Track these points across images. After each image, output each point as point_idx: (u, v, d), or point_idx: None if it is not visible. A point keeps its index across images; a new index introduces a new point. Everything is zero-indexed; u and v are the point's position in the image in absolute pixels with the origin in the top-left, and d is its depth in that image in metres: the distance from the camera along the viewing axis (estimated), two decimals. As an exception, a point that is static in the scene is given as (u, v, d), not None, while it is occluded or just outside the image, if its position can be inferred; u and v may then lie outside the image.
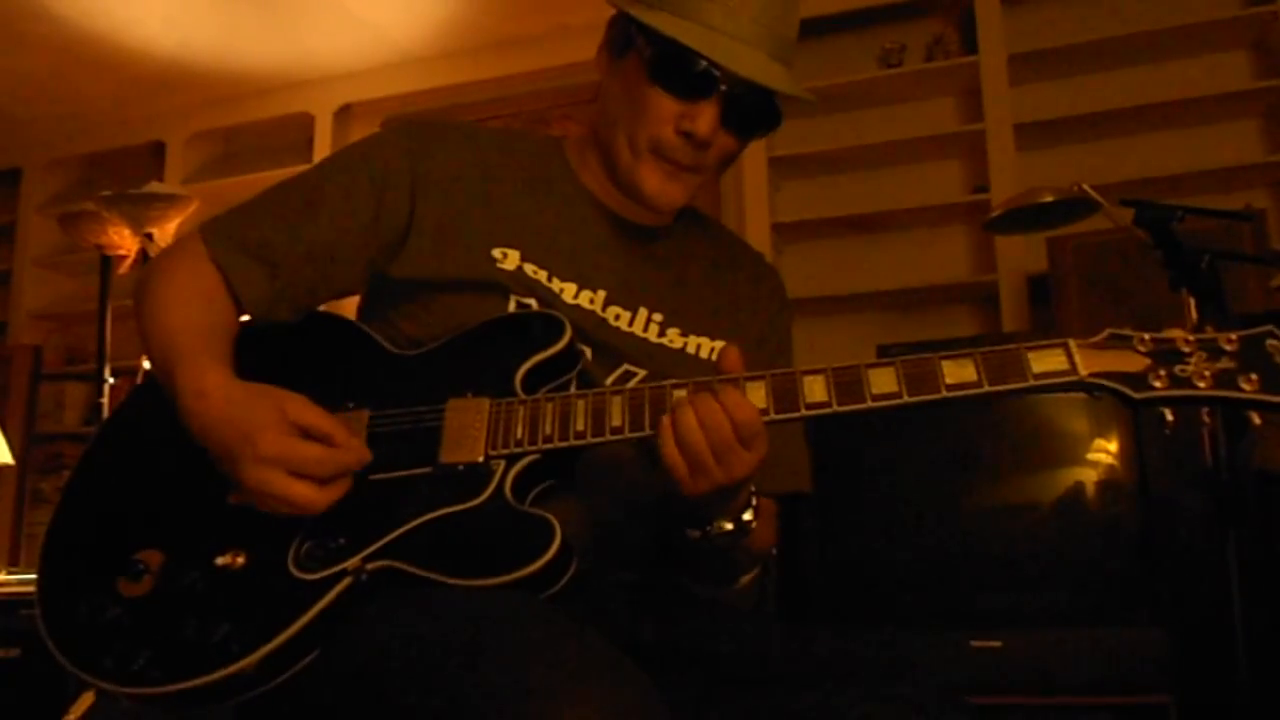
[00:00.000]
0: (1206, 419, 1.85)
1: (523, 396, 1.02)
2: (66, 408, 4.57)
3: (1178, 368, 0.89)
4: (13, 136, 4.76)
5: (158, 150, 4.64)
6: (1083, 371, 0.90)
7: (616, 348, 1.15)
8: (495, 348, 1.07)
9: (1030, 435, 2.35)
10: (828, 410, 0.94)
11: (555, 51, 3.93)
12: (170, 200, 3.28)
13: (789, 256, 3.70)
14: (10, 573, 3.22)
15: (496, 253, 1.14)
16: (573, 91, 4.05)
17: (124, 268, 3.45)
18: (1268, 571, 2.01)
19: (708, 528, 1.01)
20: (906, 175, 3.62)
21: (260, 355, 1.09)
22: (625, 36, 1.14)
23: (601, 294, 1.16)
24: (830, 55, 3.66)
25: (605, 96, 1.18)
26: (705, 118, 1.09)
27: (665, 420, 0.94)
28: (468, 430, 1.00)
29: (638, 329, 1.17)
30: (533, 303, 1.13)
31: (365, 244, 1.15)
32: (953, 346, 0.95)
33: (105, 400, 3.28)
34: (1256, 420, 0.88)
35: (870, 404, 0.93)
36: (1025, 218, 2.34)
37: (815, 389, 0.94)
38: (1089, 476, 2.30)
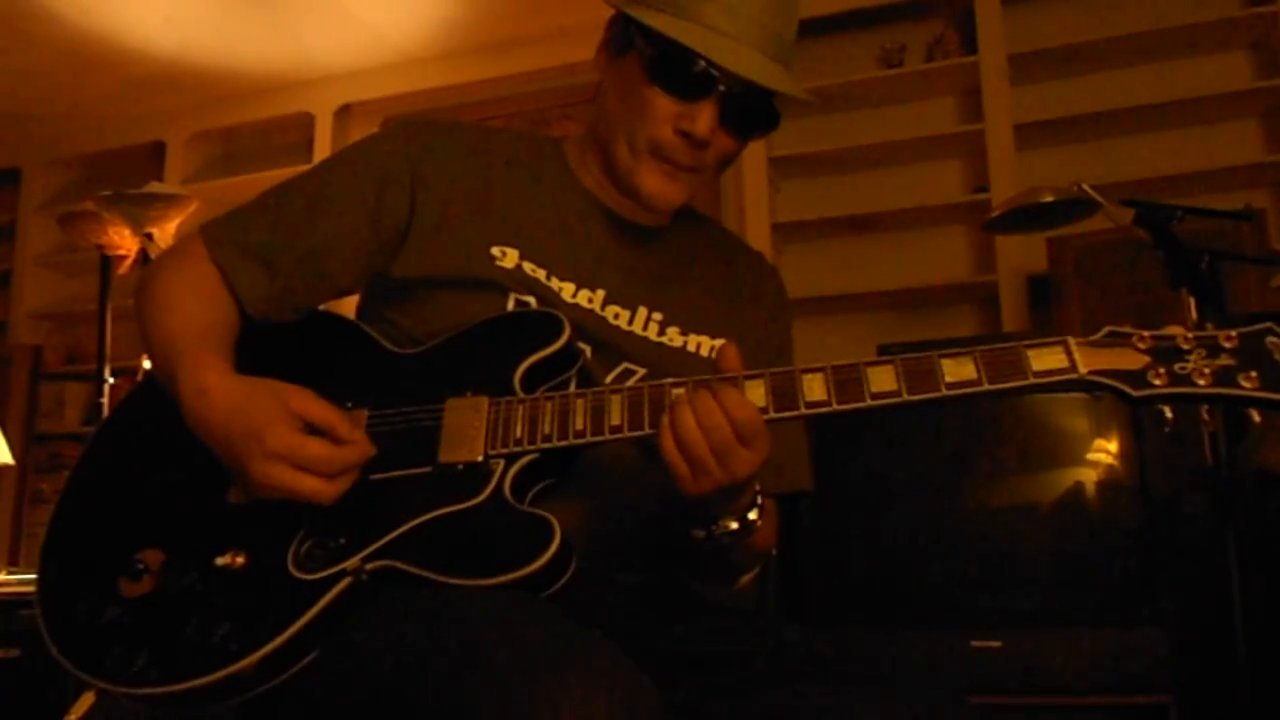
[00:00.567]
0: (1206, 417, 1.85)
1: (522, 395, 1.02)
2: (66, 408, 4.57)
3: (1177, 365, 0.89)
4: (13, 136, 4.76)
5: (158, 150, 4.64)
6: (1082, 369, 0.90)
7: (616, 346, 1.15)
8: (494, 346, 1.07)
9: (1030, 435, 2.35)
10: (827, 409, 0.94)
11: (555, 51, 3.93)
12: (170, 200, 3.27)
13: (789, 256, 3.70)
14: (10, 573, 3.21)
15: (495, 251, 1.14)
16: (572, 91, 4.05)
17: (124, 268, 3.45)
18: (1268, 572, 2.00)
19: (712, 527, 1.01)
20: (906, 175, 3.62)
21: (260, 354, 1.09)
22: (624, 37, 1.14)
23: (600, 293, 1.16)
24: (830, 55, 3.66)
25: (604, 97, 1.18)
26: (704, 118, 1.08)
27: (664, 420, 0.94)
28: (467, 429, 1.00)
29: (637, 328, 1.17)
30: (532, 301, 1.13)
31: (365, 244, 1.15)
32: (953, 347, 0.94)
33: (105, 400, 3.28)
34: (1256, 418, 0.88)
35: (870, 402, 0.93)
36: (1025, 218, 2.34)
37: (814, 387, 0.94)
38: (1089, 476, 2.30)
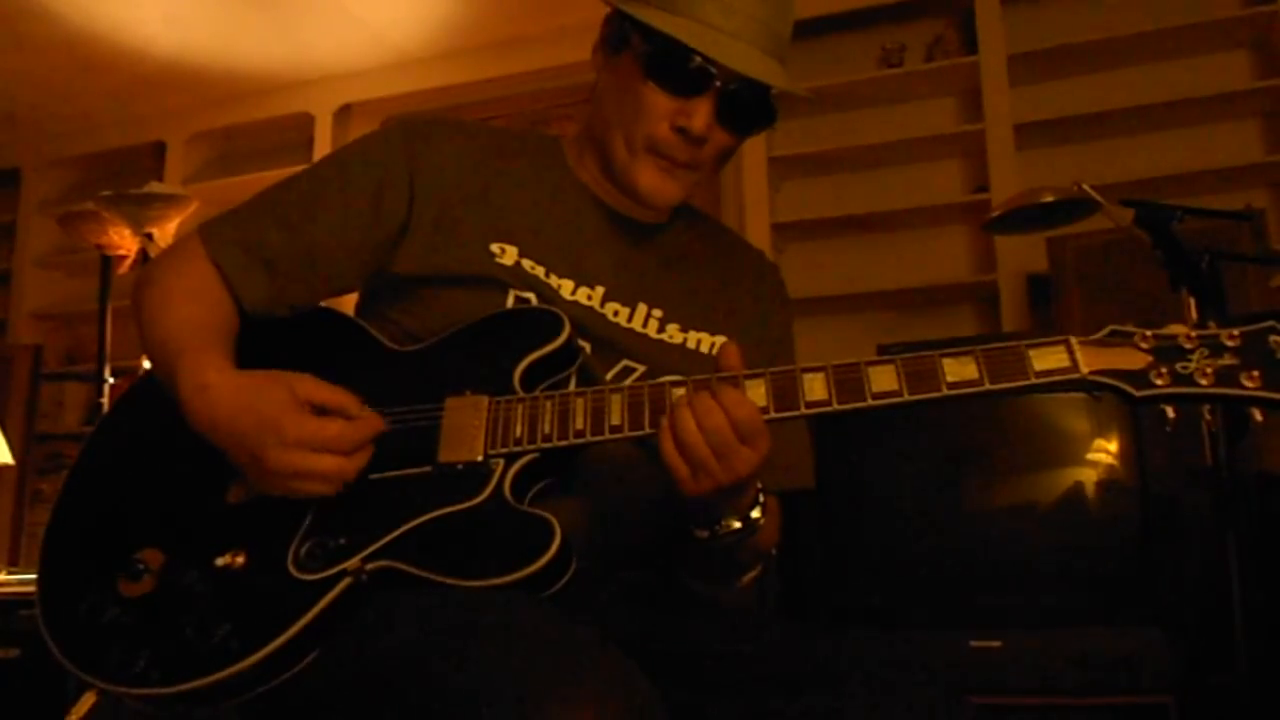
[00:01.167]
0: (1208, 416, 1.85)
1: (521, 394, 1.02)
2: (66, 408, 4.57)
3: (1179, 365, 0.89)
4: (13, 136, 4.76)
5: (158, 150, 4.64)
6: (1084, 369, 0.90)
7: (615, 343, 1.15)
8: (493, 344, 1.07)
9: (1030, 435, 2.35)
10: (828, 409, 0.94)
11: (555, 51, 3.93)
12: (170, 200, 3.27)
13: (789, 256, 3.70)
14: (10, 573, 3.21)
15: (494, 248, 1.14)
16: (572, 91, 4.05)
17: (124, 268, 3.45)
18: (1268, 572, 2.00)
19: (715, 527, 1.01)
20: (906, 175, 3.62)
21: (260, 353, 1.08)
22: (620, 34, 1.14)
23: (600, 290, 1.16)
24: (830, 55, 3.66)
25: (600, 94, 1.18)
26: (700, 114, 1.08)
27: (664, 422, 0.93)
28: (466, 429, 1.00)
29: (636, 324, 1.17)
30: (531, 298, 1.12)
31: (363, 242, 1.15)
32: (953, 346, 0.94)
33: (105, 400, 3.28)
34: (1258, 417, 0.88)
35: (870, 402, 0.93)
36: (1025, 218, 2.34)
37: (815, 387, 0.94)
38: (1089, 476, 2.29)
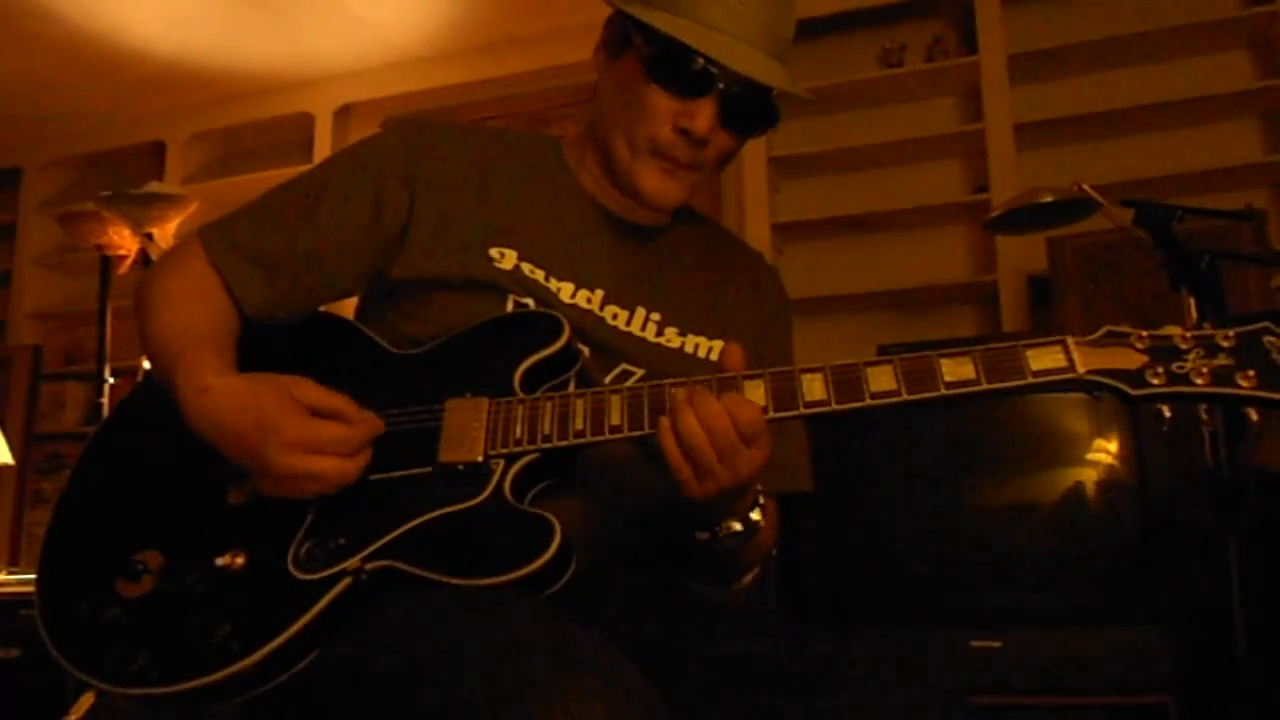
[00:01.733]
0: (1205, 417, 1.85)
1: (521, 396, 1.02)
2: (66, 408, 4.56)
3: (1175, 365, 0.89)
4: (13, 136, 4.76)
5: (158, 150, 4.64)
6: (1081, 369, 0.91)
7: (614, 347, 1.15)
8: (493, 347, 1.07)
9: (1030, 435, 2.35)
10: (826, 409, 0.94)
11: (555, 51, 3.93)
12: (170, 200, 3.27)
13: (789, 256, 3.70)
14: (10, 573, 3.22)
15: (494, 252, 1.14)
16: (572, 91, 4.05)
17: (124, 268, 3.45)
18: (1268, 571, 2.00)
19: (716, 529, 1.01)
20: (906, 175, 3.62)
21: (259, 356, 1.08)
22: (622, 35, 1.14)
23: (599, 293, 1.16)
24: (830, 55, 3.66)
25: (602, 95, 1.18)
26: (703, 115, 1.08)
27: (664, 422, 0.93)
28: (467, 430, 1.00)
29: (635, 328, 1.17)
30: (530, 302, 1.12)
31: (363, 246, 1.15)
32: (953, 346, 0.94)
33: (105, 400, 3.28)
34: (1254, 416, 0.89)
35: (869, 402, 0.93)
36: (1025, 218, 2.35)
37: (814, 387, 0.94)
38: (1089, 476, 2.29)
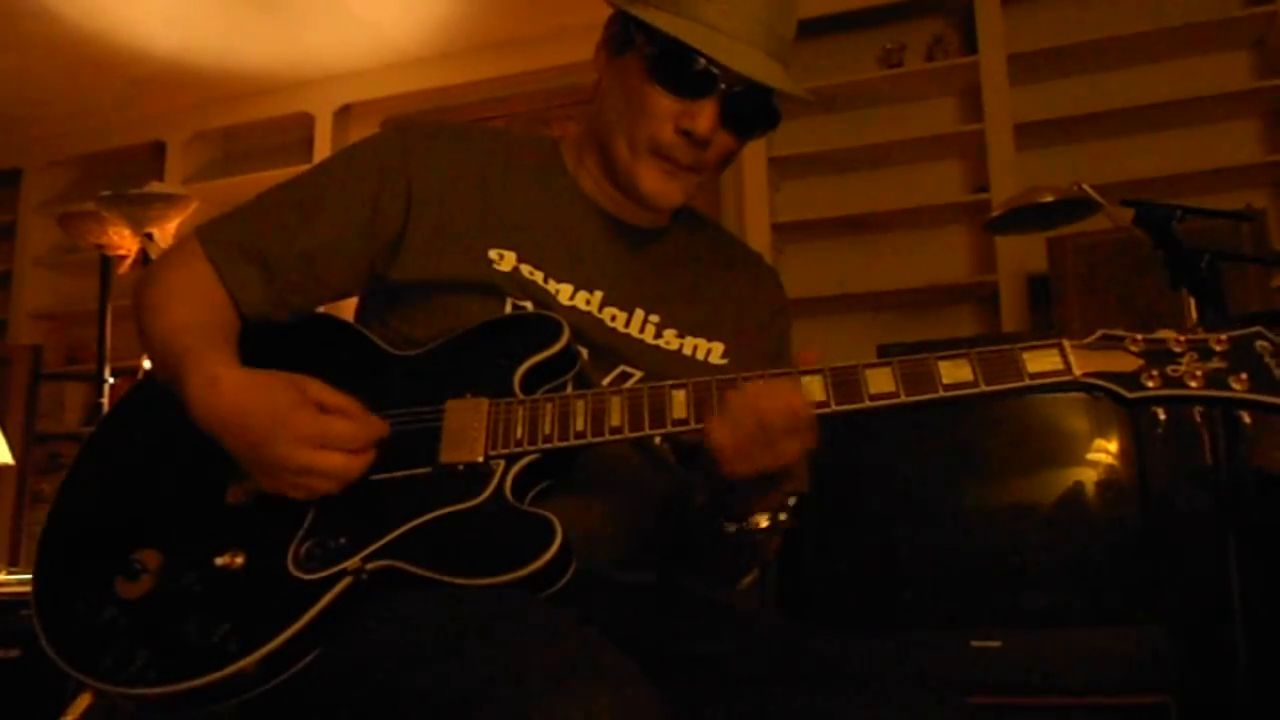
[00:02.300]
0: (1199, 418, 1.85)
1: (521, 397, 1.02)
2: (66, 408, 4.57)
3: (1169, 368, 0.90)
4: (13, 136, 4.76)
5: (158, 150, 4.64)
6: (1077, 371, 0.92)
7: (613, 349, 1.15)
8: (493, 348, 1.07)
9: (1030, 435, 2.35)
10: (826, 410, 0.94)
11: (555, 51, 3.93)
12: (170, 200, 3.27)
13: (789, 256, 3.70)
14: (10, 573, 3.21)
15: (493, 254, 1.14)
16: (572, 91, 4.05)
17: (124, 268, 3.45)
18: (1268, 571, 2.00)
19: (744, 522, 1.02)
20: (906, 175, 3.62)
21: (260, 358, 1.08)
22: (624, 35, 1.14)
23: (598, 295, 1.16)
24: (830, 55, 3.66)
25: (603, 96, 1.18)
26: (704, 116, 1.08)
27: (727, 397, 0.93)
28: (467, 430, 1.01)
29: (634, 330, 1.17)
30: (529, 304, 1.12)
31: (361, 247, 1.15)
32: (953, 346, 0.95)
33: (105, 400, 3.28)
34: (1247, 420, 0.90)
35: (868, 403, 0.94)
36: (1025, 218, 2.35)
37: (813, 389, 0.95)
38: (1089, 476, 2.29)
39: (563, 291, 1.15)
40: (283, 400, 0.97)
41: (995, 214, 2.39)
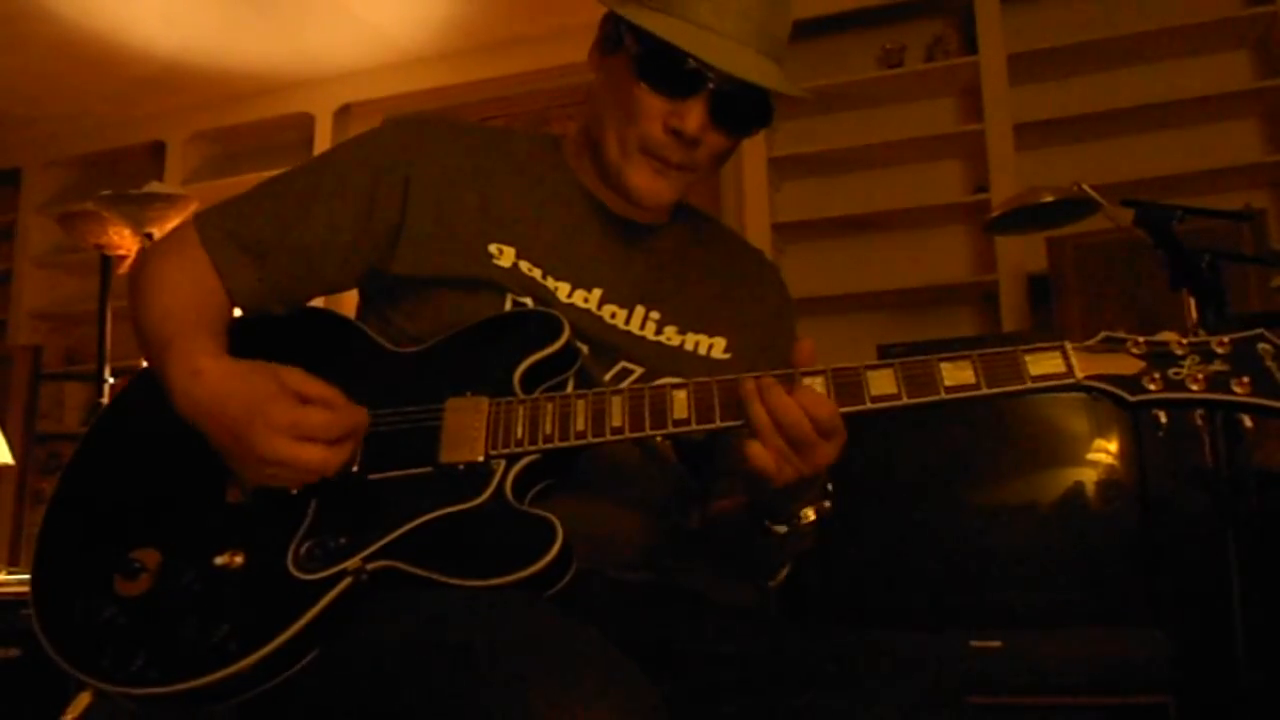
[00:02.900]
0: (1201, 420, 1.85)
1: (522, 395, 1.02)
2: (66, 408, 4.57)
3: (1171, 371, 0.90)
4: (13, 136, 4.76)
5: (158, 150, 4.64)
6: (1079, 374, 0.92)
7: (613, 346, 1.15)
8: (493, 346, 1.07)
9: (1030, 435, 2.35)
10: (828, 410, 0.94)
11: (555, 51, 3.93)
12: (170, 200, 3.27)
13: (789, 256, 3.70)
14: (10, 573, 3.21)
15: (493, 249, 1.14)
16: (572, 91, 4.05)
17: (124, 268, 3.45)
18: (1268, 571, 2.00)
19: (793, 520, 1.02)
20: (906, 175, 3.62)
21: (257, 352, 1.08)
22: (615, 34, 1.14)
23: (597, 292, 1.16)
24: (830, 55, 3.66)
25: (595, 95, 1.18)
26: (693, 115, 1.08)
27: (755, 410, 0.93)
28: (467, 430, 1.00)
29: (634, 327, 1.17)
30: (529, 301, 1.12)
31: (357, 241, 1.15)
32: (953, 346, 0.95)
33: (105, 400, 3.28)
34: (1248, 423, 0.90)
35: (869, 405, 0.94)
36: (1025, 218, 2.34)
37: (815, 390, 0.95)
38: (1089, 476, 2.29)
39: (562, 289, 1.15)
40: (260, 390, 0.97)
41: (995, 214, 2.39)
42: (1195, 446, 1.97)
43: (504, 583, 0.90)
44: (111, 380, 3.29)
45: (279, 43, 4.08)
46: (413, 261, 1.13)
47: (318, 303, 1.24)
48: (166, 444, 1.06)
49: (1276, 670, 1.96)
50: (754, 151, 3.56)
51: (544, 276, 1.14)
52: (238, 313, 1.18)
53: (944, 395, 0.93)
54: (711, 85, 1.07)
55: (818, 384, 0.95)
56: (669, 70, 1.07)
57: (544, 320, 1.08)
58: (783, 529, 1.03)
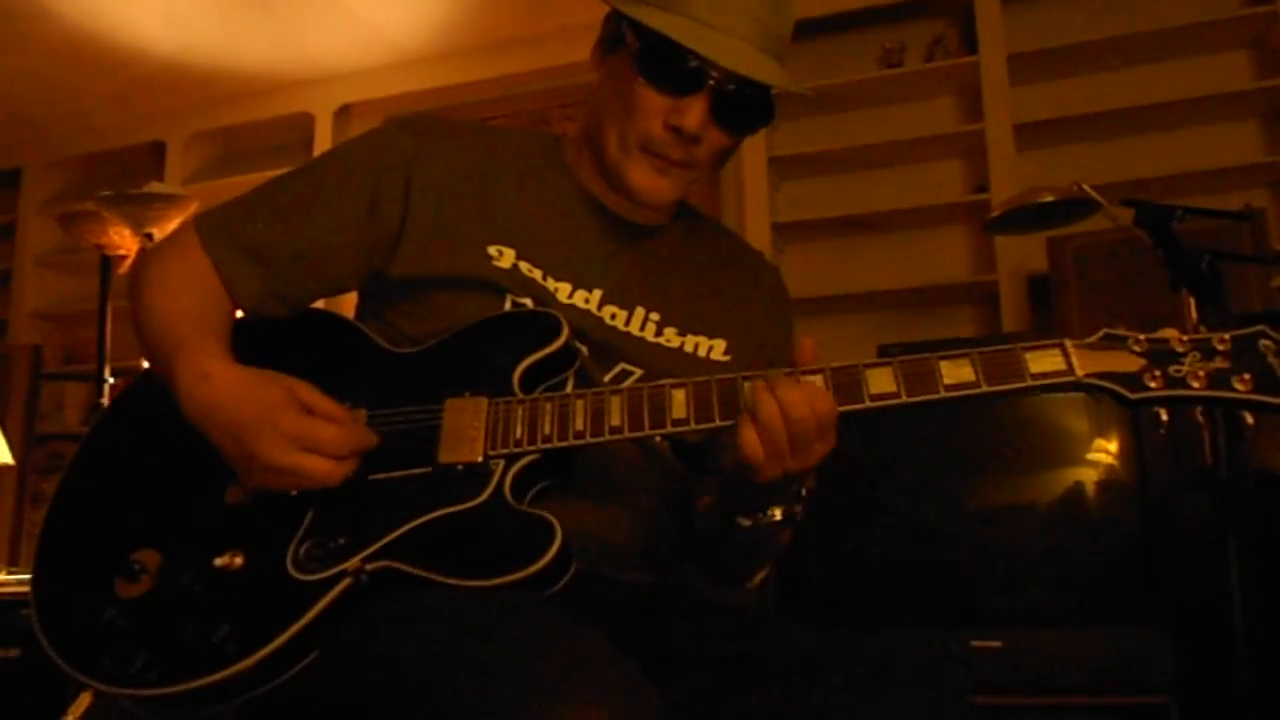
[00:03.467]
0: (1202, 418, 1.85)
1: (521, 396, 1.02)
2: (66, 408, 4.56)
3: (1172, 368, 0.90)
4: (13, 136, 4.76)
5: (158, 150, 4.64)
6: (1079, 372, 0.91)
7: (613, 347, 1.15)
8: (492, 346, 1.07)
9: (1030, 435, 2.35)
10: (827, 410, 0.94)
11: (555, 51, 3.93)
12: (170, 200, 3.27)
13: (789, 256, 3.70)
14: (10, 573, 3.21)
15: (492, 250, 1.14)
16: (572, 91, 4.05)
17: (124, 268, 3.44)
18: (1268, 571, 2.00)
19: (759, 515, 1.02)
20: (906, 175, 3.62)
21: (258, 355, 1.08)
22: (616, 32, 1.14)
23: (597, 293, 1.16)
24: (830, 55, 3.66)
25: (597, 94, 1.18)
26: (694, 112, 1.08)
27: (761, 399, 0.93)
28: (466, 430, 1.00)
29: (634, 328, 1.17)
30: (528, 302, 1.12)
31: (358, 241, 1.15)
32: (953, 346, 0.95)
33: (105, 400, 3.28)
34: (1249, 420, 0.89)
35: (869, 404, 0.94)
36: (1025, 218, 2.34)
37: (817, 384, 0.95)
38: (1089, 476, 2.30)
39: (562, 290, 1.14)
40: (270, 398, 0.97)
41: (995, 214, 2.39)
42: (1195, 446, 1.97)
43: (503, 583, 0.90)
44: (111, 380, 3.29)
45: (279, 43, 4.08)
46: (412, 262, 1.13)
47: (318, 304, 1.24)
48: (167, 446, 1.06)
49: (1276, 670, 1.96)
50: (754, 151, 3.56)
51: (544, 277, 1.14)
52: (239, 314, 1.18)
53: (943, 394, 0.92)
54: (712, 82, 1.07)
55: (817, 382, 0.95)
56: (670, 67, 1.07)
57: (543, 320, 1.08)
58: (747, 522, 1.02)
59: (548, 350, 1.05)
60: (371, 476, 1.00)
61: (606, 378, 1.13)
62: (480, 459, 0.98)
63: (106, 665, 0.94)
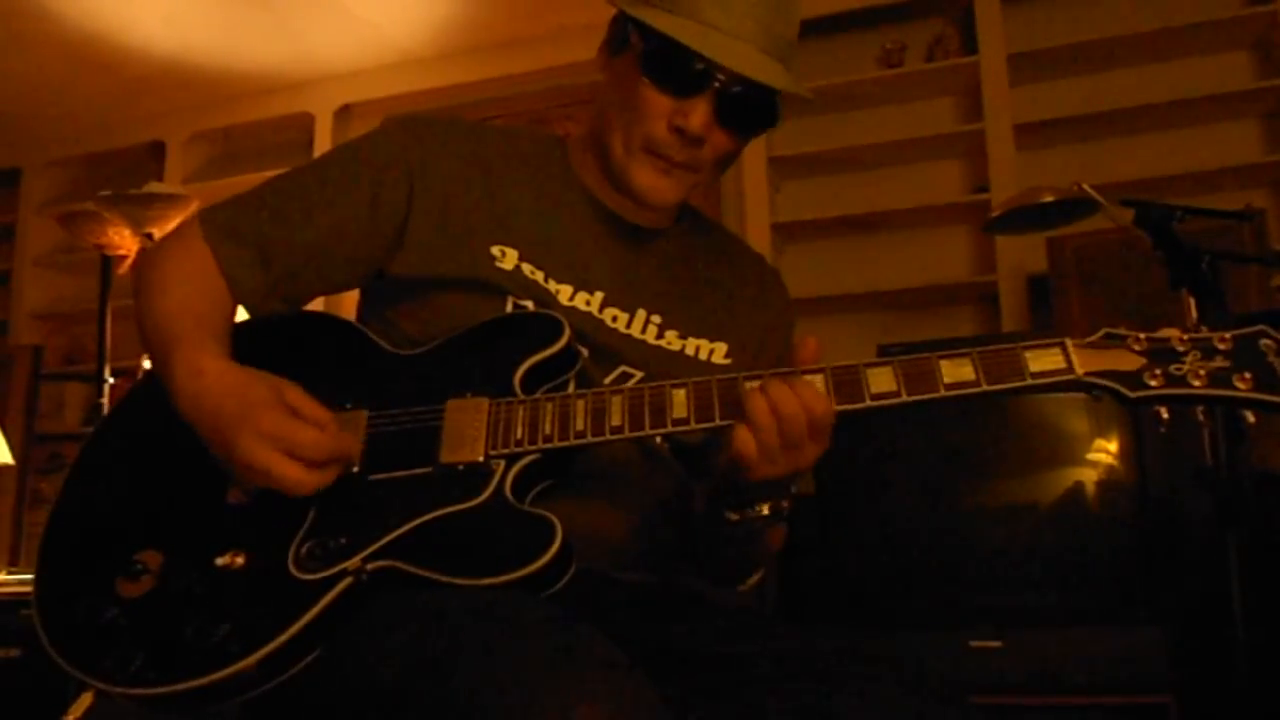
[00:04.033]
0: (1202, 418, 1.85)
1: (522, 396, 1.02)
2: (66, 408, 4.57)
3: (1173, 367, 0.90)
4: (13, 136, 4.76)
5: (158, 150, 4.64)
6: (1079, 371, 0.92)
7: (614, 349, 1.15)
8: (494, 348, 1.07)
9: (1030, 435, 2.35)
10: (826, 410, 0.94)
11: (555, 51, 3.93)
12: (170, 200, 3.27)
13: (789, 256, 3.70)
14: (10, 573, 3.21)
15: (495, 250, 1.14)
16: (573, 91, 4.05)
17: (124, 268, 3.45)
18: (1268, 571, 2.00)
19: (747, 510, 1.02)
20: (906, 175, 3.62)
21: (258, 355, 1.08)
22: (622, 34, 1.14)
23: (599, 295, 1.16)
24: (830, 55, 3.66)
25: (602, 96, 1.18)
26: (698, 114, 1.08)
27: (754, 400, 0.93)
28: (467, 430, 1.01)
29: (635, 330, 1.17)
30: (530, 304, 1.12)
31: (360, 240, 1.15)
32: (953, 346, 0.95)
33: (105, 400, 3.28)
34: (1250, 419, 0.89)
35: (869, 403, 0.94)
36: (1025, 218, 2.34)
37: (815, 386, 0.95)
38: (1089, 476, 2.29)
39: (563, 292, 1.15)
40: (255, 397, 0.97)
41: (995, 214, 2.39)
42: (1195, 446, 1.97)
43: (503, 582, 0.90)
44: (111, 380, 3.29)
45: (279, 43, 4.08)
46: (414, 263, 1.13)
47: (318, 304, 1.24)
48: (169, 446, 1.06)
49: (1276, 670, 1.96)
50: (754, 151, 3.55)
51: (546, 279, 1.14)
52: (241, 312, 1.18)
53: (944, 393, 0.92)
54: (716, 84, 1.07)
55: (817, 382, 0.95)
56: (674, 68, 1.07)
57: (544, 322, 1.08)
58: (735, 517, 1.03)
59: (549, 352, 1.06)
60: (372, 476, 1.00)
61: (607, 380, 1.13)
62: (481, 459, 0.99)
63: (108, 665, 0.94)
